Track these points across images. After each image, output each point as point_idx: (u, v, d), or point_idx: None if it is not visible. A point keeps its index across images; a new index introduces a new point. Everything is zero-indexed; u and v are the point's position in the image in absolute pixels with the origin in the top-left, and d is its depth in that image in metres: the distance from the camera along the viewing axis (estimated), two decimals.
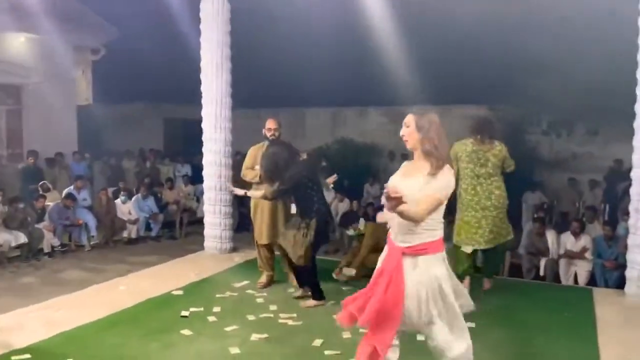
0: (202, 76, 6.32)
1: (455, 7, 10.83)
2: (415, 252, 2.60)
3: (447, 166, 2.66)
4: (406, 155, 11.10)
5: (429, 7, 10.96)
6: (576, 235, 7.13)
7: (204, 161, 6.49)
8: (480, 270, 5.30)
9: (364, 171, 12.27)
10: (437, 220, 2.63)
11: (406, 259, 2.61)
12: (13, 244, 7.69)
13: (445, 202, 2.65)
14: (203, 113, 6.38)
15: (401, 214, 2.45)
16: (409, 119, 2.75)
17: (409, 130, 2.73)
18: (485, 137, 4.75)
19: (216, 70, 6.17)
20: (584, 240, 7.10)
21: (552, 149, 11.90)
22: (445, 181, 2.60)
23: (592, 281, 6.96)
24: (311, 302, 4.71)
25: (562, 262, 7.11)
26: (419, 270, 2.59)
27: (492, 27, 11.06)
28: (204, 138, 6.42)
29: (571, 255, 7.10)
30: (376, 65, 12.45)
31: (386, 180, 9.98)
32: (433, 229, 2.62)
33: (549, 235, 7.29)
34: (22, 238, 7.76)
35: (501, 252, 5.21)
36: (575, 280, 7.06)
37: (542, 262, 7.18)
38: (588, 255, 7.02)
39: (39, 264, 7.81)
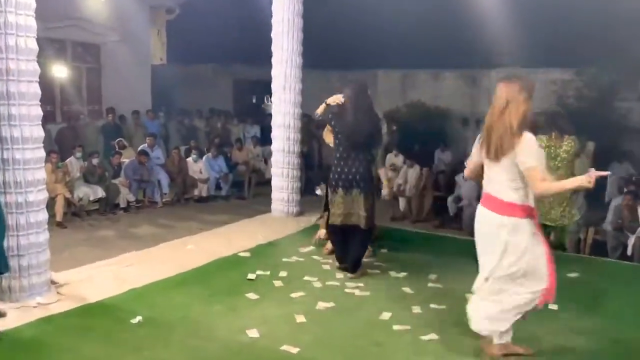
0: (273, 34, 6.13)
1: None
2: None
3: None
4: (482, 122, 10.32)
5: None
6: None
7: (273, 123, 6.38)
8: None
9: (436, 137, 11.79)
10: None
11: None
12: (92, 198, 8.01)
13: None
14: (273, 73, 6.23)
15: None
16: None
17: None
18: (556, 133, 5.08)
19: (287, 27, 5.96)
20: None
21: None
22: None
23: None
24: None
25: None
26: None
27: None
28: (273, 99, 6.29)
29: None
30: (453, 27, 11.82)
31: (459, 147, 9.70)
32: None
33: None
34: (100, 192, 8.06)
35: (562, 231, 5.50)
36: None
37: (631, 241, 6.60)
38: None
39: (115, 218, 8.10)
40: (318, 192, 5.96)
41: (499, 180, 2.92)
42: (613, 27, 10.05)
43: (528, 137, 2.87)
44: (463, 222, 8.43)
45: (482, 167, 3.06)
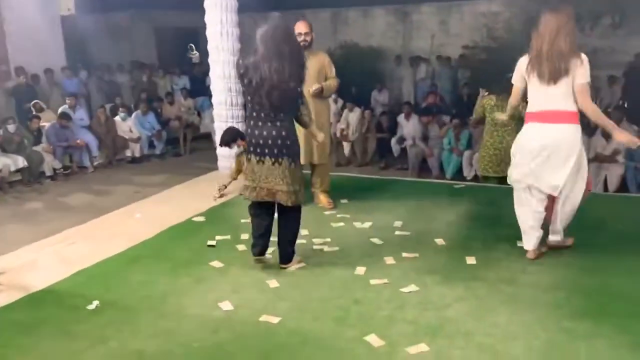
0: None
1: None
2: None
3: None
4: (415, 59, 10.31)
5: None
6: (607, 137, 6.77)
7: (211, 74, 5.93)
8: None
9: (370, 77, 11.60)
10: None
11: None
12: (12, 169, 7.38)
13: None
14: (206, 19, 5.70)
15: None
16: None
17: None
18: (505, 94, 4.93)
19: None
20: (616, 143, 6.74)
21: None
22: None
23: (622, 186, 6.71)
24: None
25: (592, 167, 6.78)
26: None
27: None
28: (209, 47, 5.81)
29: (602, 159, 6.77)
30: None
31: (394, 87, 9.64)
32: None
33: None
34: (22, 162, 7.44)
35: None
36: (605, 187, 6.79)
37: None
38: (620, 158, 6.70)
39: (42, 188, 7.54)
40: (235, 148, 5.22)
41: (557, 97, 3.26)
42: None
43: (584, 56, 3.24)
44: (409, 162, 8.47)
45: (522, 91, 3.49)
